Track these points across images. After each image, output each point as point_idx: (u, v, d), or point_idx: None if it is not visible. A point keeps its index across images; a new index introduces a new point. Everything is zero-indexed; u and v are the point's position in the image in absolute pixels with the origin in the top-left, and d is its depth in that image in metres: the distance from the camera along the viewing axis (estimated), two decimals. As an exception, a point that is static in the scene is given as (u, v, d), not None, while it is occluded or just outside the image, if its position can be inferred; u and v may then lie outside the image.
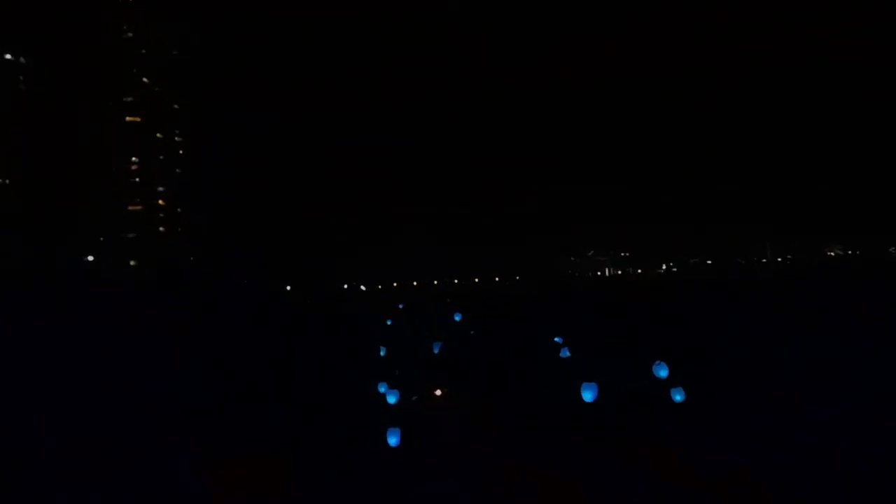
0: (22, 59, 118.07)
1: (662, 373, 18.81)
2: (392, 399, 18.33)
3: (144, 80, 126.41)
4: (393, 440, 14.08)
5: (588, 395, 16.97)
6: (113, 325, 34.73)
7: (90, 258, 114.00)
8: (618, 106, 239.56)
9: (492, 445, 13.83)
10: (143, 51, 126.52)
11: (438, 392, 19.62)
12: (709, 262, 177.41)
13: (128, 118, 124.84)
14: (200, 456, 12.86)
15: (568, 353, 25.08)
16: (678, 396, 17.24)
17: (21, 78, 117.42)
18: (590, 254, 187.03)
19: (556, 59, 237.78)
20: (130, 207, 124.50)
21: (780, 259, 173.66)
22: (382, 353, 25.93)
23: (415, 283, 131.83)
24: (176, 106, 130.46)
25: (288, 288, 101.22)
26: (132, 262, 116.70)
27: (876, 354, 20.95)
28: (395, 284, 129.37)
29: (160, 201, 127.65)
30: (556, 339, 27.11)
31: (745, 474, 11.59)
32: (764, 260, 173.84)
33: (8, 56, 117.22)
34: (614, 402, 16.70)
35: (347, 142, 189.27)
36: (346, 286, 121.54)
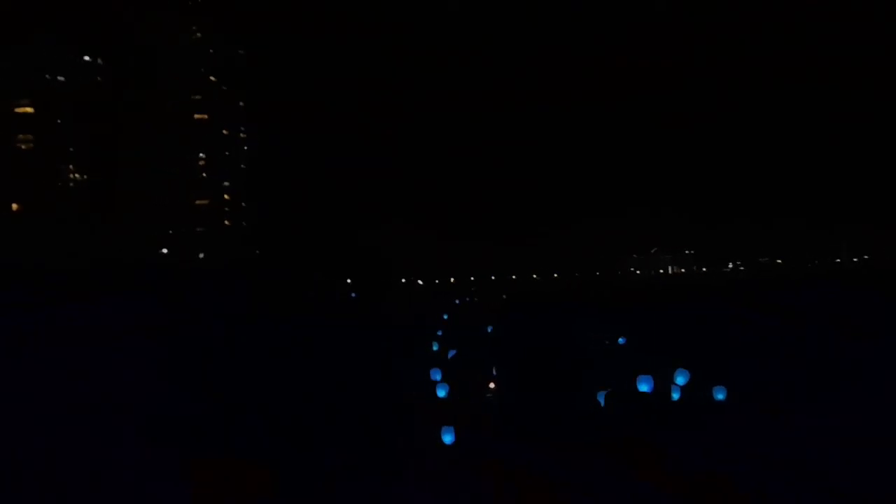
0: (99, 61, 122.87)
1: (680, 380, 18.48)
2: (441, 393, 18.76)
3: (212, 78, 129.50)
4: (448, 438, 14.19)
5: (644, 387, 17.52)
6: (99, 336, 35.37)
7: (164, 251, 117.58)
8: (687, 100, 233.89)
9: (486, 450, 13.78)
10: (211, 50, 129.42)
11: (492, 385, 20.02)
12: (779, 261, 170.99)
13: (195, 115, 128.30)
14: (187, 466, 12.88)
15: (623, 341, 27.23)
16: (720, 395, 17.32)
17: (98, 78, 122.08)
18: (653, 251, 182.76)
19: (602, 53, 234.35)
20: (198, 202, 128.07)
21: (855, 259, 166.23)
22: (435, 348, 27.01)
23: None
24: (241, 103, 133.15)
25: (349, 281, 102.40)
26: (201, 255, 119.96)
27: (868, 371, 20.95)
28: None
29: (226, 196, 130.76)
30: (620, 340, 28.49)
31: (744, 482, 11.50)
32: (838, 260, 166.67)
33: (86, 57, 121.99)
34: (618, 409, 16.56)
35: (405, 142, 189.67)
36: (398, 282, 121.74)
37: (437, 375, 21.95)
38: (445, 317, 42.90)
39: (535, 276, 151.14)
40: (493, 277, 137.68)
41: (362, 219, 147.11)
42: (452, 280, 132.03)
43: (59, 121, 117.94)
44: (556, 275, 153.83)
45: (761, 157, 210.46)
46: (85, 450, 14.35)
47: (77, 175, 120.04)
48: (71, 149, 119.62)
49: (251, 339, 35.63)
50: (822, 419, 15.30)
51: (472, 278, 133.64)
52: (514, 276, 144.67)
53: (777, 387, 19.14)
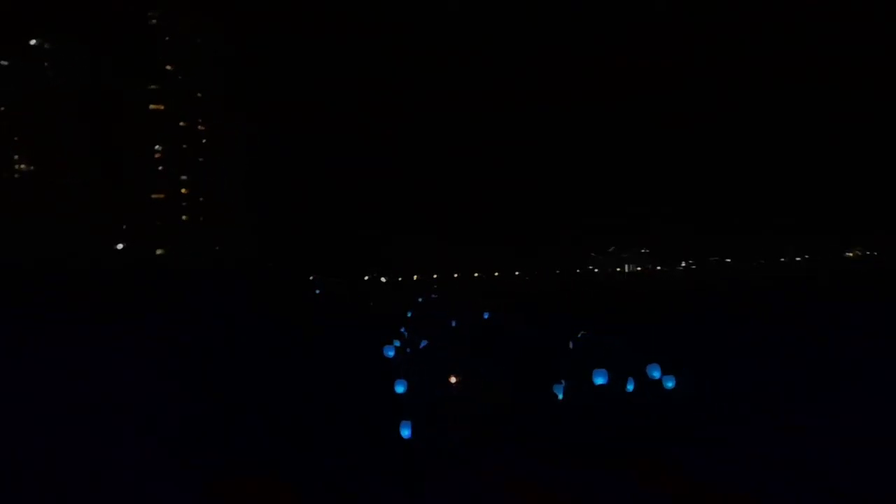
0: (46, 45, 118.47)
1: (656, 373, 18.47)
2: (400, 388, 18.58)
3: (168, 67, 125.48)
4: (405, 432, 14.24)
5: (599, 380, 17.42)
6: (99, 336, 35.21)
7: (119, 246, 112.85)
8: (642, 103, 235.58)
9: (486, 451, 13.76)
10: (167, 38, 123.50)
11: (453, 379, 19.94)
12: (728, 260, 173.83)
13: (151, 106, 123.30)
14: (195, 473, 12.84)
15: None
16: (669, 383, 17.46)
17: (46, 64, 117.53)
18: (610, 249, 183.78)
19: (585, 56, 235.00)
20: (153, 195, 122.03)
21: (798, 259, 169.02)
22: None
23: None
24: (199, 94, 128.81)
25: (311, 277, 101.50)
26: (159, 251, 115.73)
27: (868, 371, 20.88)
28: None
29: (183, 190, 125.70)
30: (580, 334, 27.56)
31: (744, 482, 11.58)
32: (783, 259, 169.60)
33: (33, 41, 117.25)
34: (607, 412, 16.57)
35: (371, 140, 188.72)
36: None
37: (390, 352, 22.12)
38: (409, 314, 42.98)
39: (496, 273, 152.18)
40: (455, 275, 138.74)
41: (362, 218, 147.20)
42: (416, 277, 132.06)
43: (57, 119, 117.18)
44: (517, 272, 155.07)
45: (716, 160, 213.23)
46: (85, 450, 14.33)
47: (75, 173, 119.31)
48: (69, 147, 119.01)
49: (251, 339, 35.62)
50: (822, 419, 15.35)
51: (434, 276, 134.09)
52: (476, 274, 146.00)
53: (777, 387, 19.17)
